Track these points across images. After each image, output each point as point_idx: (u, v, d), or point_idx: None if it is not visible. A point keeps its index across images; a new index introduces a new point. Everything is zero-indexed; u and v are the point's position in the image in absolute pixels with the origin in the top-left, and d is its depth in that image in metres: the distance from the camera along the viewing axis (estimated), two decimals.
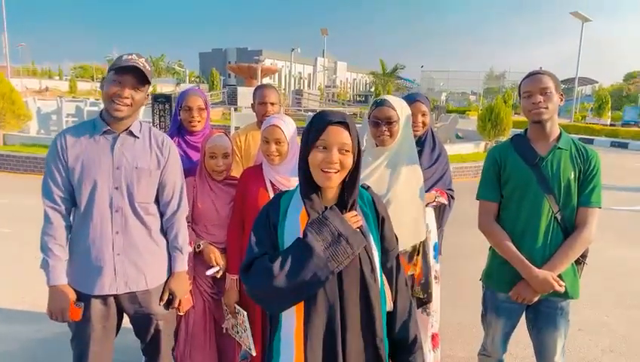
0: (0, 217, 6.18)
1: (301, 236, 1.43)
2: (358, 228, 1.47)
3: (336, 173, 1.43)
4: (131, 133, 1.98)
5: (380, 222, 1.56)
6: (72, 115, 13.55)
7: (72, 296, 1.91)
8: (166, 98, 9.25)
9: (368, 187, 1.64)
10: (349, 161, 1.43)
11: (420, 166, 2.34)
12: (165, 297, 2.07)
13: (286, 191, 1.63)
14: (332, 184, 1.44)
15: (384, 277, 1.56)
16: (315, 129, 1.44)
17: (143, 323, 2.09)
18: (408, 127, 2.28)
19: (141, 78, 1.90)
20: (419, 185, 2.29)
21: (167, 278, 2.10)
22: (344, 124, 1.43)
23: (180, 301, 2.11)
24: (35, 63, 68.30)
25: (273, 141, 2.18)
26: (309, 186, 1.48)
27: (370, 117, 2.25)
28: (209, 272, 2.31)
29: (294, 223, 1.48)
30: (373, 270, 1.47)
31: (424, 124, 2.73)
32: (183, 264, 2.11)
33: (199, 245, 2.33)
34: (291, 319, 1.45)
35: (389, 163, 2.22)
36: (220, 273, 2.34)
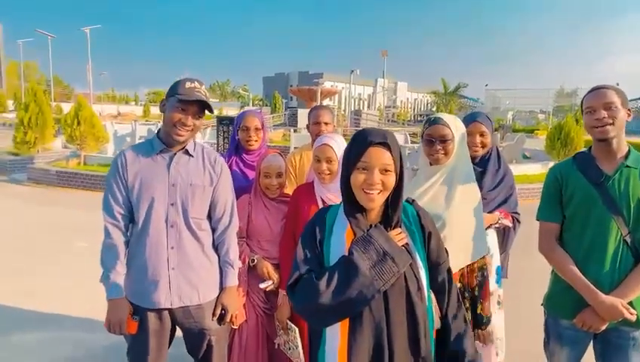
0: (78, 232, 6.67)
1: (347, 254, 1.43)
2: (403, 245, 1.46)
3: (378, 193, 1.43)
4: (187, 152, 2.09)
5: (426, 237, 1.54)
6: (144, 137, 14.46)
7: (129, 309, 2.00)
8: (230, 120, 9.64)
9: (413, 201, 1.63)
10: (391, 180, 1.43)
11: (476, 185, 2.26)
12: (218, 312, 2.12)
13: (331, 206, 1.64)
14: (374, 205, 1.45)
15: (432, 294, 1.53)
16: (355, 149, 1.45)
17: (196, 338, 2.14)
18: (463, 145, 2.22)
19: (203, 108, 2.02)
20: (476, 204, 2.21)
21: (219, 293, 2.15)
22: (385, 144, 1.43)
23: (232, 315, 2.15)
24: (114, 90, 74.02)
25: (324, 160, 2.22)
26: (353, 205, 1.48)
27: (424, 135, 2.21)
28: (262, 285, 2.36)
29: (340, 241, 1.49)
30: (419, 288, 1.45)
31: (483, 144, 2.62)
32: (234, 279, 2.16)
33: (253, 259, 2.39)
34: (336, 335, 1.45)
35: (444, 181, 2.16)
36: (272, 287, 2.38)
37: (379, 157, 1.42)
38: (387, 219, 1.49)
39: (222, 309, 2.13)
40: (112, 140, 14.01)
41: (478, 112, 2.83)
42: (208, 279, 2.12)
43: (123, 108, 52.37)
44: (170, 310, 2.06)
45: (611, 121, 1.91)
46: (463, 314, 1.58)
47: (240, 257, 2.32)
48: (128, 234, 2.07)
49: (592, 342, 2.07)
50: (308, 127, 3.05)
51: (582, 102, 2.04)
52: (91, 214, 7.93)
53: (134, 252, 2.04)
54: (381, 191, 1.43)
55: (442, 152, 2.15)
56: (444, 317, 1.54)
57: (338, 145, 2.25)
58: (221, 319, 2.13)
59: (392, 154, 1.43)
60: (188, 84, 1.98)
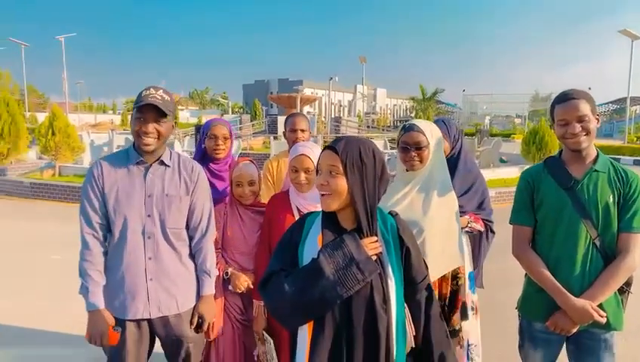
0: (52, 244, 6.51)
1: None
2: (376, 255, 1.45)
3: (328, 197, 1.45)
4: (162, 163, 2.08)
5: (404, 251, 1.52)
6: (122, 147, 14.22)
7: (111, 320, 1.98)
8: None
9: (396, 214, 1.62)
10: (338, 183, 1.44)
11: (453, 191, 2.27)
12: (195, 321, 2.11)
13: (313, 212, 1.66)
14: (328, 207, 1.47)
15: (407, 311, 1.52)
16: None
17: (174, 346, 2.14)
18: (440, 150, 2.24)
19: (161, 112, 1.98)
20: (453, 210, 2.22)
21: (196, 302, 2.15)
22: (333, 148, 1.46)
23: (209, 325, 2.15)
24: (91, 99, 72.84)
25: (303, 170, 2.22)
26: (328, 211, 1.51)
27: (399, 142, 2.22)
28: (231, 287, 2.34)
29: (313, 244, 1.51)
30: (385, 301, 1.44)
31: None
32: (210, 287, 2.16)
33: (227, 273, 2.36)
34: (304, 341, 1.47)
35: (421, 188, 2.17)
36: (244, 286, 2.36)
37: (325, 159, 1.47)
38: (362, 227, 1.48)
39: (199, 318, 2.12)
40: (89, 150, 13.77)
41: (436, 119, 2.82)
42: (186, 288, 2.13)
43: (100, 118, 51.49)
44: (148, 320, 2.06)
45: (585, 133, 1.94)
46: (445, 332, 1.57)
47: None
48: (106, 244, 2.05)
49: (565, 344, 2.10)
50: (284, 134, 3.06)
51: (552, 108, 2.04)
52: (67, 226, 7.75)
53: (111, 263, 2.02)
54: (330, 193, 1.45)
55: (417, 159, 2.16)
56: (425, 336, 1.53)
57: (315, 155, 2.25)
58: (198, 327, 2.13)
59: (340, 158, 1.44)
60: (144, 93, 1.98)
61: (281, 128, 20.31)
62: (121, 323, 2.01)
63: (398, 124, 50.67)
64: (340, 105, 52.24)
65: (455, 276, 2.29)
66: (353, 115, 46.64)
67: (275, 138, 15.19)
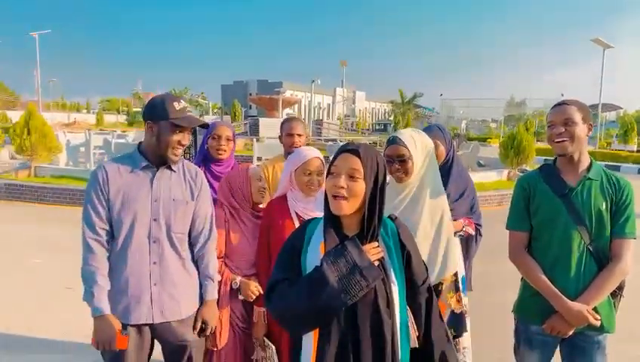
0: (31, 247, 6.33)
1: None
2: (378, 260, 1.47)
3: (345, 199, 1.44)
4: (169, 167, 2.08)
5: (405, 255, 1.55)
6: (99, 148, 13.95)
7: (118, 325, 1.95)
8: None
9: (396, 218, 1.64)
10: (358, 187, 1.44)
11: (445, 200, 2.27)
12: (198, 326, 2.11)
13: (314, 218, 1.66)
14: (342, 211, 1.45)
15: (409, 312, 1.54)
16: (332, 159, 1.51)
17: (176, 351, 2.12)
18: (430, 160, 2.22)
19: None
20: (445, 217, 2.23)
21: (199, 307, 2.14)
22: (355, 151, 1.46)
23: (212, 331, 2.15)
24: (64, 97, 71.04)
25: (316, 172, 2.24)
26: (330, 217, 1.50)
27: (385, 155, 2.19)
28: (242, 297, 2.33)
29: (316, 251, 1.52)
30: (389, 305, 1.46)
31: (436, 156, 2.61)
32: (213, 292, 2.16)
33: (236, 283, 2.32)
34: (309, 347, 1.48)
35: (413, 198, 2.17)
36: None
37: (346, 161, 1.46)
38: (364, 232, 1.50)
39: (203, 323, 2.12)
40: (65, 150, 13.42)
41: (431, 125, 2.84)
42: (189, 293, 2.12)
43: (76, 117, 50.18)
44: (150, 325, 2.04)
45: (568, 137, 2.02)
46: (446, 332, 1.60)
47: (221, 280, 2.28)
48: (109, 248, 2.02)
49: (559, 346, 2.16)
50: (280, 138, 3.06)
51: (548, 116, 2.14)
52: (45, 229, 7.63)
53: (115, 267, 2.00)
54: (347, 197, 1.44)
55: (402, 172, 2.14)
56: (426, 336, 1.56)
57: (323, 158, 2.30)
58: (201, 332, 2.13)
59: (361, 162, 1.44)
60: (176, 105, 2.00)
61: (262, 130, 20.24)
62: (122, 328, 1.98)
63: (377, 127, 51.10)
64: (320, 108, 52.34)
65: (441, 282, 2.32)
66: (332, 117, 46.81)
67: (258, 140, 15.07)
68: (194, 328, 2.11)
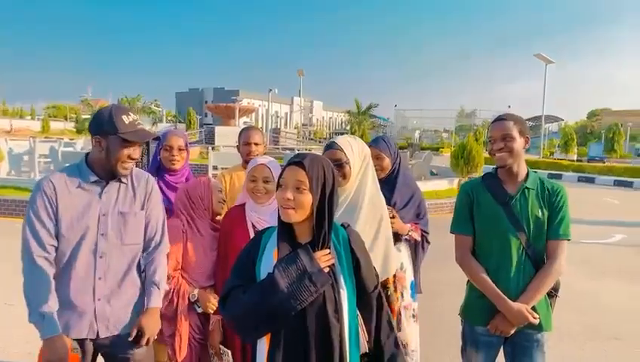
0: None
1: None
2: (328, 266, 1.52)
3: (292, 209, 1.49)
4: (119, 180, 2.02)
5: (355, 261, 1.59)
6: (44, 156, 13.32)
7: (69, 343, 1.88)
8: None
9: (348, 226, 1.69)
10: (304, 198, 1.49)
11: (384, 203, 2.31)
12: (134, 333, 1.99)
13: (269, 227, 1.69)
14: (290, 219, 1.51)
15: (359, 318, 1.59)
16: (281, 171, 1.56)
17: None
18: (367, 165, 2.26)
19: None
20: (383, 222, 2.26)
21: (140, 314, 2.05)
22: (300, 163, 1.51)
23: (148, 338, 2.02)
24: (5, 103, 67.23)
25: (261, 179, 2.24)
26: (283, 223, 1.55)
27: None
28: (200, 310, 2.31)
29: (269, 258, 1.56)
30: (337, 310, 1.50)
31: (381, 167, 2.72)
32: (157, 300, 2.08)
33: (194, 295, 2.29)
34: (262, 352, 1.52)
35: (350, 204, 2.19)
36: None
37: (292, 174, 1.51)
38: (316, 240, 1.54)
39: (138, 331, 1.99)
40: (7, 159, 12.72)
41: (378, 137, 2.91)
42: (138, 304, 2.07)
43: (17, 123, 47.43)
44: (94, 340, 1.98)
45: (508, 151, 2.16)
46: (395, 337, 1.65)
47: (179, 294, 2.25)
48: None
49: (502, 346, 2.27)
50: (238, 147, 3.06)
51: (488, 129, 2.29)
52: None
53: (58, 282, 1.92)
54: (294, 208, 1.49)
55: (340, 175, 2.15)
56: (376, 341, 1.61)
57: (274, 166, 2.30)
58: (137, 341, 2.00)
59: (307, 174, 1.49)
60: (125, 119, 1.93)
61: (218, 139, 20.00)
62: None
63: (334, 136, 51.61)
64: (277, 117, 52.29)
65: (384, 286, 2.38)
66: (290, 126, 46.89)
67: (214, 148, 14.87)
68: (130, 335, 1.99)
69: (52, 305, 1.86)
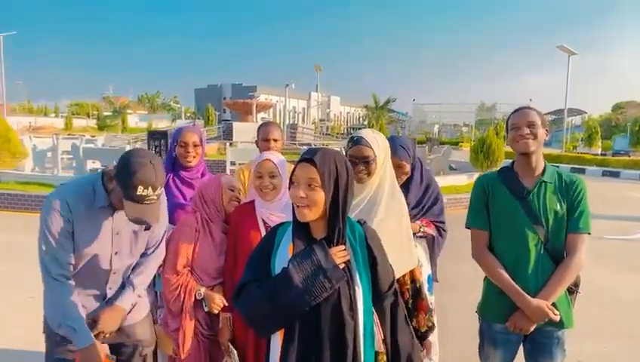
0: None
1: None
2: (344, 263, 1.50)
3: (306, 207, 1.47)
4: None
5: (372, 259, 1.57)
6: (67, 152, 13.59)
7: (104, 350, 1.94)
8: (161, 134, 9.35)
9: (364, 222, 1.66)
10: (317, 196, 1.46)
11: (402, 197, 2.24)
12: (87, 321, 1.96)
13: (284, 222, 1.68)
14: (305, 218, 1.49)
15: (375, 316, 1.57)
16: (294, 168, 1.53)
17: (130, 353, 2.16)
18: (388, 161, 2.21)
19: None
20: (402, 216, 2.20)
21: (105, 307, 2.06)
22: (311, 160, 1.48)
23: (100, 333, 2.00)
24: (31, 101, 68.86)
25: (267, 174, 2.21)
26: (298, 221, 1.53)
27: (347, 155, 2.17)
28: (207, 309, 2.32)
29: (284, 254, 1.55)
30: (352, 308, 1.48)
31: (403, 173, 2.63)
32: (127, 302, 2.09)
33: (200, 293, 2.29)
34: (276, 348, 1.52)
35: (371, 199, 2.14)
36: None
37: (303, 171, 1.48)
38: (331, 235, 1.52)
39: (92, 321, 1.97)
40: (31, 156, 13.03)
41: (394, 144, 2.59)
42: (139, 304, 2.19)
43: (39, 121, 48.40)
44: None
45: (533, 137, 2.10)
46: (411, 334, 1.63)
47: (186, 290, 2.26)
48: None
49: (522, 343, 2.22)
50: (257, 142, 3.05)
51: (507, 121, 2.23)
52: (9, 235, 7.37)
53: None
54: (308, 205, 1.47)
55: (365, 173, 2.10)
56: (392, 340, 1.58)
57: (279, 160, 2.27)
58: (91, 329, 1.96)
59: (318, 171, 1.46)
60: (140, 189, 1.77)
61: (236, 135, 20.11)
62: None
63: (352, 131, 51.48)
64: (295, 112, 52.35)
65: (412, 280, 2.35)
66: (307, 122, 46.92)
67: (231, 144, 14.96)
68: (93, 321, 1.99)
69: (79, 316, 1.90)
